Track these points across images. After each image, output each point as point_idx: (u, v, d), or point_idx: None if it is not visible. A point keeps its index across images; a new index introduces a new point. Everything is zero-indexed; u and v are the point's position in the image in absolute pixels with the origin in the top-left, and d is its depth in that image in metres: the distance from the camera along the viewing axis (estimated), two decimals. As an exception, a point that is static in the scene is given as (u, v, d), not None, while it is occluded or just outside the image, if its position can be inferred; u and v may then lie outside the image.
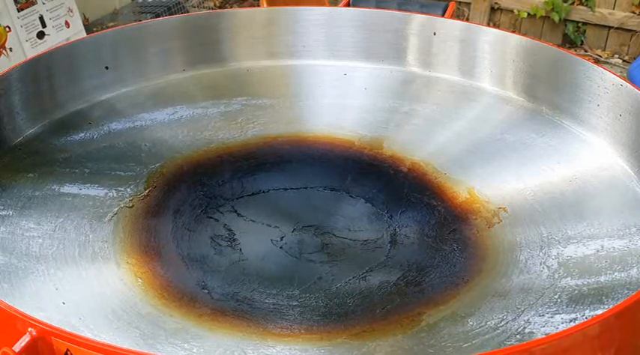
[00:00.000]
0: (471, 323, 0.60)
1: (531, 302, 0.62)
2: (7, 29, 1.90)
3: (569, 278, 0.65)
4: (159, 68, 0.99)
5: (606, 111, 0.84)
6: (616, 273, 0.65)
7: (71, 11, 2.12)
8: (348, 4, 1.56)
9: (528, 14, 2.81)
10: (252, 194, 0.79)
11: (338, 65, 1.03)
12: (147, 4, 2.96)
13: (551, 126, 0.89)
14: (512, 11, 2.83)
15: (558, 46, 1.15)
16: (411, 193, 0.79)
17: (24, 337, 0.47)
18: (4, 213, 0.71)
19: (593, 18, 2.75)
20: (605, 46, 2.82)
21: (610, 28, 2.76)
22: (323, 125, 0.91)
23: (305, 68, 1.03)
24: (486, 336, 0.58)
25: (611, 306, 0.60)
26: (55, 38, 2.05)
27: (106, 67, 0.95)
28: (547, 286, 0.64)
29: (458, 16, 2.73)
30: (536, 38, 1.00)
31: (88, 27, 2.55)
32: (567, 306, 0.61)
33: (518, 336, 0.58)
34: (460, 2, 2.77)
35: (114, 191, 0.77)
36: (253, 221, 0.75)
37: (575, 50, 2.76)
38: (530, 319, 0.60)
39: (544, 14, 2.78)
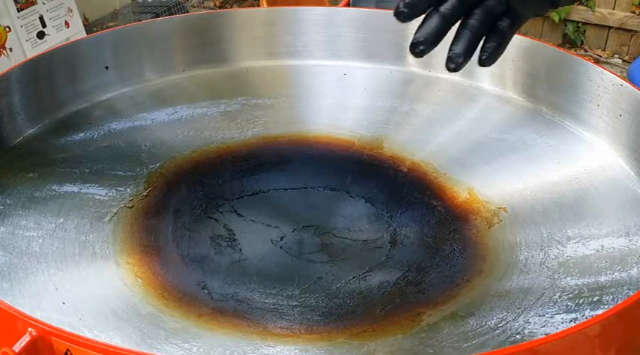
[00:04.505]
0: (471, 323, 0.60)
1: (531, 302, 0.62)
2: (7, 29, 1.90)
3: (569, 278, 0.65)
4: (159, 68, 0.99)
5: (606, 111, 0.84)
6: (616, 273, 0.65)
7: (71, 11, 2.12)
8: (348, 4, 1.56)
9: (528, 14, 2.80)
10: (252, 194, 0.79)
11: (338, 65, 1.03)
12: (147, 4, 2.96)
13: (551, 126, 0.89)
14: (512, 11, 2.82)
15: (558, 46, 1.15)
16: (411, 193, 0.79)
17: (24, 337, 0.47)
18: (4, 213, 0.71)
19: (593, 18, 2.76)
20: (605, 46, 2.83)
21: (610, 28, 2.76)
22: (323, 125, 0.91)
23: (305, 68, 1.03)
24: (486, 336, 0.58)
25: (611, 306, 0.60)
26: (55, 38, 2.05)
27: (106, 67, 0.95)
28: (547, 286, 0.64)
29: (458, 16, 2.72)
30: (536, 38, 1.00)
31: (88, 27, 2.55)
32: (567, 306, 0.61)
33: (518, 336, 0.58)
34: (460, 2, 2.77)
35: (114, 191, 0.77)
36: (253, 221, 0.75)
37: (575, 50, 2.76)
38: (530, 319, 0.60)
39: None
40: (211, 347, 0.57)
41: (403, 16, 0.54)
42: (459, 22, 0.55)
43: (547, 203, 0.75)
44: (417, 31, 0.55)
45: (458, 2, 0.54)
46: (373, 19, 1.02)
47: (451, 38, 0.55)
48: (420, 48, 0.54)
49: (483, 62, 0.55)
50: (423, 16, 0.55)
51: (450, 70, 0.55)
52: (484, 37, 0.56)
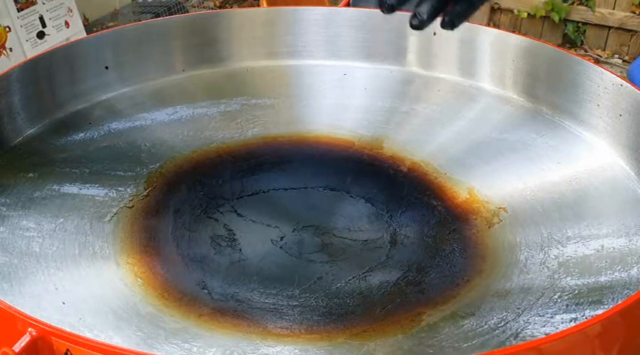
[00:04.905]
0: (471, 323, 0.60)
1: (531, 302, 0.62)
2: (7, 29, 1.90)
3: (569, 278, 0.65)
4: (159, 68, 0.99)
5: (606, 111, 0.84)
6: (616, 273, 0.65)
7: (71, 11, 2.12)
8: (348, 4, 1.56)
9: (528, 14, 2.81)
10: (252, 194, 0.79)
11: (338, 65, 1.03)
12: (147, 4, 2.96)
13: (551, 126, 0.89)
14: (512, 11, 2.83)
15: (558, 46, 1.15)
16: (411, 193, 0.79)
17: (24, 337, 0.47)
18: (4, 213, 0.71)
19: (593, 18, 2.76)
20: (605, 46, 2.83)
21: (610, 28, 2.76)
22: (323, 125, 0.91)
23: (305, 68, 1.03)
24: (486, 336, 0.58)
25: (611, 306, 0.60)
26: (55, 38, 2.05)
27: (106, 67, 0.95)
28: (547, 286, 0.64)
29: (458, 16, 2.72)
30: (536, 38, 1.00)
31: (88, 27, 2.55)
32: (567, 306, 0.61)
33: (518, 336, 0.58)
34: (460, 2, 2.77)
35: (114, 191, 0.77)
36: (253, 221, 0.75)
37: (575, 50, 2.77)
38: (530, 319, 0.60)
39: (544, 14, 2.78)
40: (211, 347, 0.57)
41: (387, 8, 0.58)
42: None
43: (547, 203, 0.75)
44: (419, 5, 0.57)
45: None
46: (373, 19, 1.02)
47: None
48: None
49: (445, 25, 0.59)
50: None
51: (413, 26, 0.58)
52: (453, 2, 0.58)
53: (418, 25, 0.58)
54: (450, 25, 0.59)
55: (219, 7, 3.33)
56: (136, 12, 2.90)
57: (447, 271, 0.67)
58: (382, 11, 0.60)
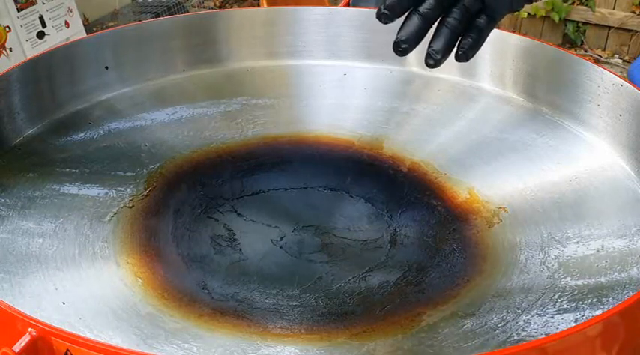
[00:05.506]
0: (470, 323, 0.60)
1: (531, 302, 0.62)
2: (7, 29, 1.90)
3: (569, 278, 0.65)
4: (159, 68, 0.99)
5: (606, 111, 0.84)
6: (616, 273, 0.65)
7: (71, 11, 2.12)
8: (348, 4, 1.56)
9: (528, 14, 2.81)
10: (252, 194, 0.79)
11: (338, 65, 1.03)
12: (147, 4, 2.96)
13: (551, 126, 0.89)
14: (512, 11, 2.82)
15: (558, 46, 1.16)
16: (411, 193, 0.79)
17: (24, 337, 0.47)
18: (4, 213, 0.71)
19: (593, 18, 2.76)
20: (605, 46, 2.83)
21: (610, 28, 2.76)
22: (323, 125, 0.91)
23: (305, 68, 1.03)
24: (486, 336, 0.58)
25: (611, 306, 0.60)
26: (55, 38, 2.05)
27: (106, 67, 0.95)
28: (547, 286, 0.64)
29: (458, 16, 2.72)
30: (536, 38, 1.00)
31: (88, 27, 2.55)
32: (567, 306, 0.61)
33: (518, 336, 0.58)
34: (460, 2, 2.77)
35: (114, 191, 0.77)
36: (253, 221, 0.75)
37: (575, 50, 2.77)
38: (530, 319, 0.60)
39: (544, 14, 2.78)
40: (211, 347, 0.57)
41: (384, 18, 0.57)
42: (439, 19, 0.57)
43: (547, 203, 0.75)
44: (399, 30, 0.57)
45: (436, 2, 0.56)
46: (373, 19, 1.01)
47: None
48: (403, 46, 0.57)
49: (460, 58, 0.58)
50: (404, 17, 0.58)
51: (429, 66, 0.57)
52: (462, 34, 0.58)
53: (434, 64, 0.57)
54: (464, 58, 0.58)
55: (219, 7, 3.34)
56: (136, 12, 2.90)
57: (447, 271, 0.67)
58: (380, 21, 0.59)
